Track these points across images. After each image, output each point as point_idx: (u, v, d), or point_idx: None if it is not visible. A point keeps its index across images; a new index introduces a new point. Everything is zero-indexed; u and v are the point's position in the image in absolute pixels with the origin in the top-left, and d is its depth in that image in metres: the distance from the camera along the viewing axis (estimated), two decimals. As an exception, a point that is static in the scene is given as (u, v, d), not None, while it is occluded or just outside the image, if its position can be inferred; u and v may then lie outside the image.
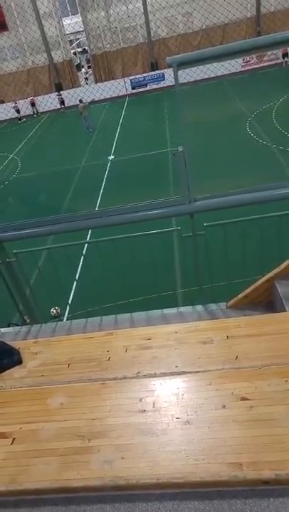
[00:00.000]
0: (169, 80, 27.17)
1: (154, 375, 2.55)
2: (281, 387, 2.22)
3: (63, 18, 30.47)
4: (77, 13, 31.03)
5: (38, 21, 28.50)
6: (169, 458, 1.95)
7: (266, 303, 3.55)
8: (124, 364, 2.75)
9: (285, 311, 3.13)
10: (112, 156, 18.59)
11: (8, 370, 2.95)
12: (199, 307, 3.65)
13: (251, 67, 27.53)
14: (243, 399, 2.18)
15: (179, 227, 3.78)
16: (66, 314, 7.48)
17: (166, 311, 3.70)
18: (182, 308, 3.71)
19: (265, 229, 4.00)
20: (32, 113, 29.76)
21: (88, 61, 34.20)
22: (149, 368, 2.64)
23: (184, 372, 2.53)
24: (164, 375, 2.53)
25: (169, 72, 27.18)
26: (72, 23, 33.40)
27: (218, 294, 3.97)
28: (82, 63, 38.01)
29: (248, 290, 3.58)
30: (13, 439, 2.21)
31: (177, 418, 2.14)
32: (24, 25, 28.95)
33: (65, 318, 7.31)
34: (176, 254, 8.66)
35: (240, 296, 3.61)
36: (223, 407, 2.16)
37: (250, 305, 3.57)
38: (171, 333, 2.95)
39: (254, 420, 2.06)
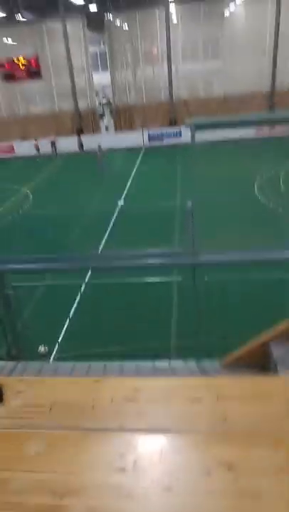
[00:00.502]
0: (185, 137, 28.44)
1: (138, 430, 2.42)
2: (269, 457, 2.10)
3: (93, 73, 32.84)
4: (107, 70, 33.39)
5: (70, 74, 30.80)
6: (144, 526, 1.80)
7: (260, 364, 3.46)
8: (107, 415, 2.63)
9: (279, 374, 3.04)
10: (122, 202, 19.03)
11: (-13, 407, 2.83)
12: (191, 363, 3.55)
13: (264, 132, 28.86)
14: (229, 467, 2.05)
15: (180, 278, 3.78)
16: (54, 353, 7.30)
17: (157, 363, 3.60)
18: (174, 362, 3.61)
19: (265, 288, 4.00)
20: (51, 152, 30.99)
21: (111, 111, 36.15)
22: (133, 422, 2.52)
23: (170, 431, 2.40)
24: (148, 431, 2.40)
25: (186, 130, 28.52)
26: (100, 77, 35.90)
27: (213, 350, 3.89)
28: (105, 113, 40.12)
29: (243, 350, 3.50)
30: None
31: (158, 483, 2.00)
32: (57, 76, 31.50)
33: (51, 358, 7.13)
34: (174, 304, 8.61)
35: (234, 355, 3.52)
36: (208, 473, 2.03)
37: (243, 365, 3.48)
38: (160, 387, 2.84)
39: (239, 491, 1.93)
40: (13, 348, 4.24)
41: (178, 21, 29.88)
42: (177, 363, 3.59)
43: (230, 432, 2.39)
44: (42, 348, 7.08)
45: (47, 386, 3.09)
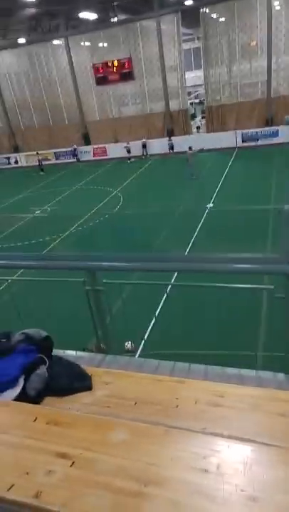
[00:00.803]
0: (283, 137, 27.08)
1: (222, 436, 2.40)
2: None
3: (186, 72, 32.65)
4: (200, 68, 33.01)
5: (162, 74, 30.97)
6: (226, 534, 1.78)
7: None
8: (191, 415, 2.65)
9: None
10: (211, 205, 18.80)
11: (77, 394, 3.02)
12: (280, 375, 3.40)
13: None
14: None
15: (272, 286, 3.63)
16: (139, 351, 7.51)
17: (243, 371, 3.52)
18: (261, 372, 3.49)
19: None
20: (141, 154, 31.74)
21: (203, 112, 35.85)
22: (216, 427, 2.50)
23: (255, 442, 2.34)
24: (231, 438, 2.36)
25: (283, 130, 27.18)
26: (193, 76, 35.61)
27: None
28: (197, 113, 39.94)
29: None
30: (73, 462, 2.21)
31: (242, 490, 1.96)
32: (149, 76, 31.76)
33: (137, 355, 7.34)
34: (263, 313, 8.29)
35: None
36: None
37: None
38: (246, 396, 2.78)
39: None
40: (102, 342, 4.44)
41: (281, 7, 27.45)
42: (265, 374, 3.47)
43: None
44: (128, 345, 7.33)
45: (132, 381, 3.21)
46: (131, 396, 2.92)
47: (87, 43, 32.59)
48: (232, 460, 2.14)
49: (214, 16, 29.17)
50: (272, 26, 27.25)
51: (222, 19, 28.98)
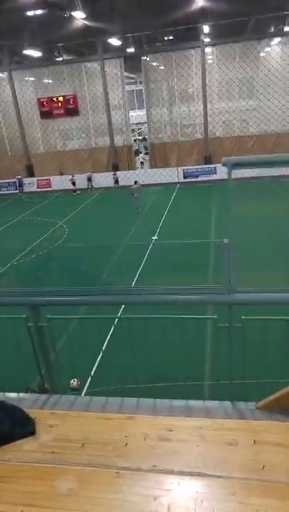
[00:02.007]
0: (220, 174, 28.65)
1: (172, 472, 2.36)
2: None
3: (129, 110, 34.13)
4: (143, 108, 34.63)
5: (107, 111, 32.00)
6: None
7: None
8: (141, 453, 2.59)
9: None
10: (156, 238, 19.19)
11: (19, 441, 2.83)
12: (227, 403, 3.44)
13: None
14: None
15: (215, 316, 3.73)
16: (86, 387, 7.27)
17: (191, 402, 3.52)
18: (208, 402, 3.51)
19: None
20: (87, 187, 31.98)
21: (146, 148, 37.24)
22: (167, 463, 2.46)
23: (205, 475, 2.32)
24: (182, 473, 2.33)
25: (220, 167, 28.79)
26: (136, 115, 37.17)
27: (249, 392, 3.76)
28: (141, 150, 41.37)
29: (280, 393, 3.37)
30: None
31: None
32: (94, 113, 32.61)
33: (83, 392, 7.09)
34: (208, 342, 8.44)
35: (272, 398, 3.39)
36: None
37: (281, 409, 3.34)
38: (195, 428, 2.78)
39: None
40: (46, 381, 4.25)
41: (213, 62, 30.56)
42: (211, 403, 3.49)
43: (270, 481, 2.28)
44: (74, 382, 7.05)
45: (79, 421, 3.08)
46: (78, 438, 2.80)
47: (32, 78, 32.89)
48: (183, 498, 2.11)
49: (154, 64, 31.51)
50: (206, 76, 29.88)
51: (161, 67, 31.30)
